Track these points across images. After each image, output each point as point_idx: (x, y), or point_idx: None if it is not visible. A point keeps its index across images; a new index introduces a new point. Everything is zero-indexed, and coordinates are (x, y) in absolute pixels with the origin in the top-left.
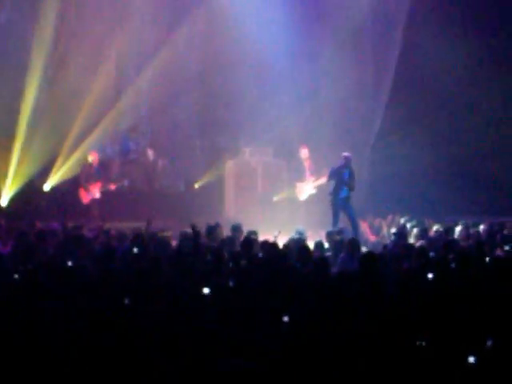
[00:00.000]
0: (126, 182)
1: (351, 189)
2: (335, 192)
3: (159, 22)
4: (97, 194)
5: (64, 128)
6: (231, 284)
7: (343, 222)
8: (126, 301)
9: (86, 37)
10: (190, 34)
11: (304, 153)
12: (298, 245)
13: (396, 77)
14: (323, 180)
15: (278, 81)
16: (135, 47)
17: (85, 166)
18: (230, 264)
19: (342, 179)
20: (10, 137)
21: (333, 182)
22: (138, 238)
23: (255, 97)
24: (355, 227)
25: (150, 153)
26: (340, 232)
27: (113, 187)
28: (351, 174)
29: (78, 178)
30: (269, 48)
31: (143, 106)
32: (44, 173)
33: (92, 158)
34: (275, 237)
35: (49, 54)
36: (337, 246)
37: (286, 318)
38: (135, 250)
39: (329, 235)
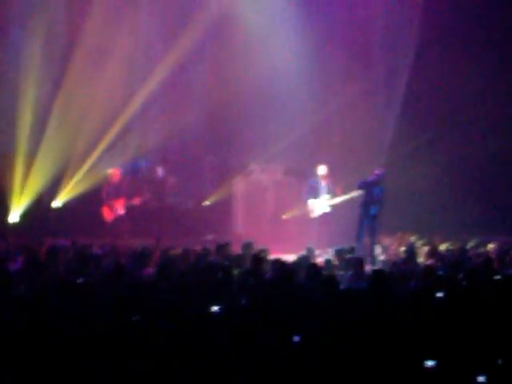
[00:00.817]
0: (148, 197)
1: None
2: (365, 208)
3: (167, 35)
4: (121, 211)
5: (72, 143)
6: (241, 302)
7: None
8: (136, 318)
9: (94, 50)
10: (201, 47)
11: (322, 169)
12: (305, 262)
13: (407, 91)
14: (341, 198)
15: (288, 98)
16: (143, 61)
17: (106, 182)
18: (240, 282)
19: (372, 196)
20: (18, 152)
21: (361, 196)
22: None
23: (267, 115)
24: (373, 246)
25: (160, 170)
26: (351, 250)
27: (137, 202)
28: (383, 192)
29: (100, 195)
30: (278, 64)
31: (153, 123)
32: (53, 189)
33: (113, 174)
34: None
35: (55, 68)
36: (347, 264)
37: (296, 338)
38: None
39: (337, 253)
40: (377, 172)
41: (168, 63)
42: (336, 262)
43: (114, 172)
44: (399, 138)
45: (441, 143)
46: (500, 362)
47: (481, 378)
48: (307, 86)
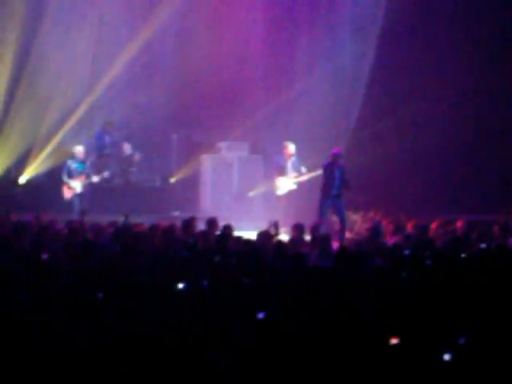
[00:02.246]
0: (106, 174)
1: (345, 185)
2: (326, 188)
3: (134, 13)
4: (79, 189)
5: (39, 120)
6: (206, 279)
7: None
8: (100, 295)
9: (61, 28)
10: (166, 22)
11: (290, 148)
12: (266, 237)
13: (374, 65)
14: (306, 176)
15: (255, 74)
16: (110, 38)
17: (68, 160)
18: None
19: (332, 177)
20: None
21: (322, 179)
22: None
23: (232, 91)
24: (343, 225)
25: (126, 147)
26: (315, 228)
27: (96, 180)
28: (342, 172)
29: (60, 173)
30: (246, 40)
31: (118, 98)
32: (20, 165)
33: (77, 151)
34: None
35: (22, 45)
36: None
37: (261, 315)
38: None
39: (295, 228)
40: (334, 152)
41: (134, 40)
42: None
43: (79, 149)
44: (364, 117)
45: (406, 121)
46: (463, 340)
47: (446, 357)
48: (274, 64)
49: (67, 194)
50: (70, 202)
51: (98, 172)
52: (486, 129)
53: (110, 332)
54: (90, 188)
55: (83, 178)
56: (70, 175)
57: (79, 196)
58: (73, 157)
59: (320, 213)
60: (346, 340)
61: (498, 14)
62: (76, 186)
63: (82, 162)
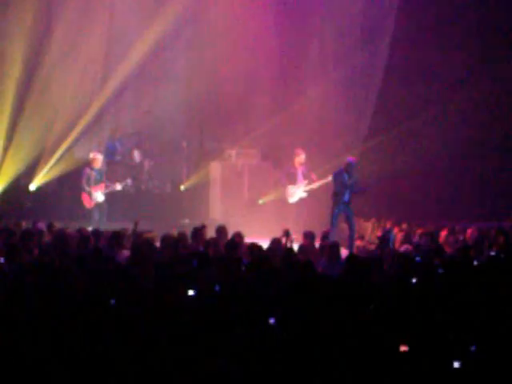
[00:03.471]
0: (129, 182)
1: (362, 192)
2: (339, 196)
3: (145, 20)
4: (100, 198)
5: (49, 127)
6: (217, 286)
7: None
8: (112, 302)
9: (71, 37)
10: (177, 30)
11: (301, 157)
12: (279, 245)
13: (386, 75)
14: (317, 184)
15: (266, 81)
16: (121, 47)
17: (85, 168)
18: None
19: (343, 183)
20: None
21: (334, 186)
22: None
23: (243, 98)
24: (353, 231)
25: (137, 154)
26: (325, 235)
27: (119, 187)
28: (350, 178)
29: (77, 179)
30: (257, 47)
31: (129, 106)
32: (30, 172)
33: (96, 159)
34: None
35: (32, 54)
36: (323, 249)
37: (272, 321)
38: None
39: (305, 236)
40: (348, 160)
41: (144, 47)
42: (309, 246)
43: (96, 157)
44: (375, 126)
45: (417, 130)
46: (473, 349)
47: (456, 364)
48: (286, 73)
49: (88, 203)
50: (89, 211)
51: (118, 179)
52: (497, 136)
53: (122, 338)
54: (108, 197)
55: (103, 186)
56: (90, 183)
57: (100, 205)
58: (91, 164)
59: (331, 220)
60: (355, 347)
61: None
62: (97, 195)
63: (100, 169)
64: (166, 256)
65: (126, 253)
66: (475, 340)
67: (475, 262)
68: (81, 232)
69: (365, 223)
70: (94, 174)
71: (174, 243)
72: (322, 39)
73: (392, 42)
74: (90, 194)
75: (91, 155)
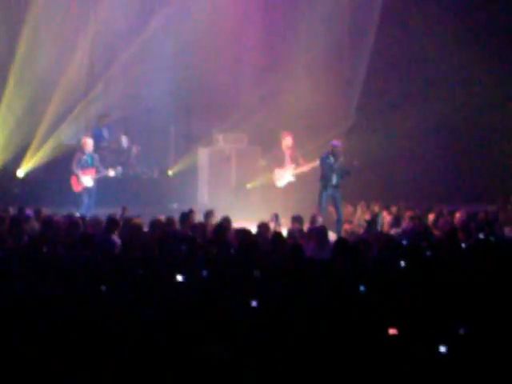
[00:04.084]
0: (119, 169)
1: (347, 175)
2: (326, 179)
3: (132, 6)
4: (89, 182)
5: (37, 114)
6: (204, 272)
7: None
8: (103, 288)
9: (57, 23)
10: (164, 18)
11: (288, 140)
12: (266, 229)
13: (372, 63)
14: (304, 168)
15: (254, 66)
16: (108, 33)
17: (77, 152)
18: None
19: (330, 167)
20: None
21: (321, 170)
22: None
23: (230, 83)
24: (340, 215)
25: (124, 139)
26: (313, 220)
27: (112, 173)
28: (336, 161)
29: (67, 164)
30: (244, 34)
31: (116, 92)
32: (17, 159)
33: (87, 143)
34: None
35: (19, 40)
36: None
37: (254, 303)
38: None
39: (294, 220)
40: (333, 143)
41: (132, 33)
42: (298, 230)
43: (86, 141)
44: (366, 111)
45: (405, 111)
46: (462, 331)
47: (442, 349)
48: (271, 52)
49: (77, 187)
50: (78, 196)
51: (108, 165)
52: (486, 119)
53: (112, 323)
54: (96, 182)
55: (93, 171)
56: (80, 168)
57: (89, 190)
58: (82, 148)
59: (319, 204)
60: (344, 331)
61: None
62: (87, 179)
63: (91, 154)
64: (154, 241)
65: (115, 238)
66: (464, 323)
67: (463, 245)
68: (70, 218)
69: (353, 207)
70: (84, 157)
71: (162, 228)
72: (310, 23)
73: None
74: (78, 178)
75: (82, 139)
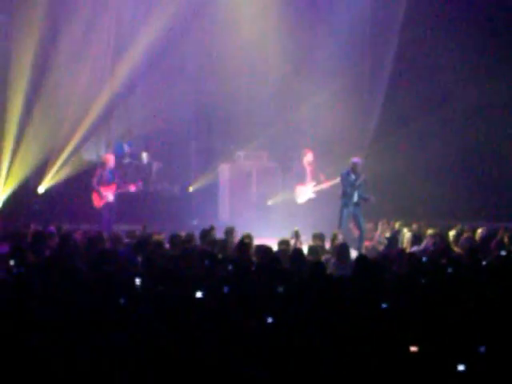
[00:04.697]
0: (140, 184)
1: (365, 200)
2: (347, 196)
3: (153, 23)
4: (110, 198)
5: (59, 131)
6: (226, 288)
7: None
8: (122, 301)
9: (78, 38)
10: (186, 34)
11: (309, 156)
12: (287, 246)
13: (392, 76)
14: (326, 185)
15: (275, 83)
16: (128, 48)
17: (98, 168)
18: (224, 267)
19: (351, 184)
20: (3, 138)
21: (342, 187)
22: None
23: (251, 100)
24: (362, 232)
25: (145, 156)
26: (334, 237)
27: (133, 189)
28: (357, 178)
29: (88, 180)
30: (266, 50)
31: (138, 108)
32: (38, 175)
33: (108, 159)
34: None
35: (40, 57)
36: (333, 250)
37: (269, 320)
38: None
39: (315, 237)
40: (353, 161)
41: (153, 49)
42: (319, 247)
43: (108, 157)
44: (383, 127)
45: (426, 129)
46: (481, 350)
47: (460, 367)
48: (295, 76)
49: (97, 202)
50: (98, 211)
51: (129, 181)
52: (507, 136)
53: (132, 338)
54: (117, 198)
55: (114, 186)
56: (101, 183)
57: (109, 205)
58: (103, 165)
59: (340, 221)
60: (366, 348)
61: None
62: (107, 194)
63: (112, 170)
64: (175, 257)
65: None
66: (483, 342)
67: (484, 262)
68: (89, 233)
69: (374, 224)
70: (105, 173)
71: (182, 243)
72: (329, 40)
73: (399, 43)
74: (99, 193)
75: (103, 156)
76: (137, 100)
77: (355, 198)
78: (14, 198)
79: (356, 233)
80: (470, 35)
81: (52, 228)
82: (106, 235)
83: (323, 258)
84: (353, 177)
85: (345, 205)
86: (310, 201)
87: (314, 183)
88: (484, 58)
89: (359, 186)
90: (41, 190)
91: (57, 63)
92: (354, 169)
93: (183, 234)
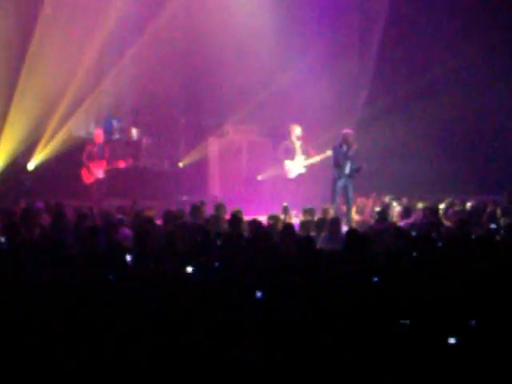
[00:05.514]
0: (130, 161)
1: (357, 170)
2: (340, 168)
3: (142, 2)
4: (101, 174)
5: (48, 107)
6: (216, 263)
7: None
8: (111, 277)
9: (67, 17)
10: (174, 11)
11: (297, 130)
12: (277, 221)
13: (380, 49)
14: (315, 159)
15: (263, 58)
16: (118, 26)
17: (90, 143)
18: (217, 243)
19: (344, 155)
20: None
21: (333, 160)
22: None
23: (240, 75)
24: (349, 204)
25: (134, 132)
26: (325, 211)
27: (122, 165)
28: (349, 149)
29: (78, 156)
30: (254, 25)
31: (126, 84)
32: (28, 151)
33: (98, 135)
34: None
35: (30, 36)
36: (323, 224)
37: (258, 294)
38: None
39: (305, 212)
40: (345, 132)
41: (142, 24)
42: (310, 221)
43: (98, 132)
44: (372, 98)
45: (414, 102)
46: (472, 323)
47: (451, 340)
48: (281, 45)
49: (88, 178)
50: (88, 187)
51: (120, 157)
52: (497, 112)
53: (120, 313)
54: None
55: (104, 163)
56: (91, 159)
57: (99, 181)
58: (93, 140)
59: (333, 195)
60: (355, 322)
61: None
62: (97, 170)
63: (102, 145)
64: (167, 232)
65: (126, 230)
66: (474, 315)
67: (473, 236)
68: (78, 210)
69: (364, 199)
70: (95, 149)
71: (175, 219)
72: (320, 23)
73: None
74: (89, 169)
75: (93, 131)
76: (126, 76)
77: (347, 169)
78: (4, 175)
79: (343, 208)
80: (464, 13)
81: (40, 204)
82: (96, 211)
83: (312, 232)
84: (345, 148)
85: (338, 177)
86: (300, 175)
87: (303, 157)
88: (479, 36)
89: (351, 157)
90: (31, 166)
91: (45, 37)
92: (345, 140)
93: (174, 209)
